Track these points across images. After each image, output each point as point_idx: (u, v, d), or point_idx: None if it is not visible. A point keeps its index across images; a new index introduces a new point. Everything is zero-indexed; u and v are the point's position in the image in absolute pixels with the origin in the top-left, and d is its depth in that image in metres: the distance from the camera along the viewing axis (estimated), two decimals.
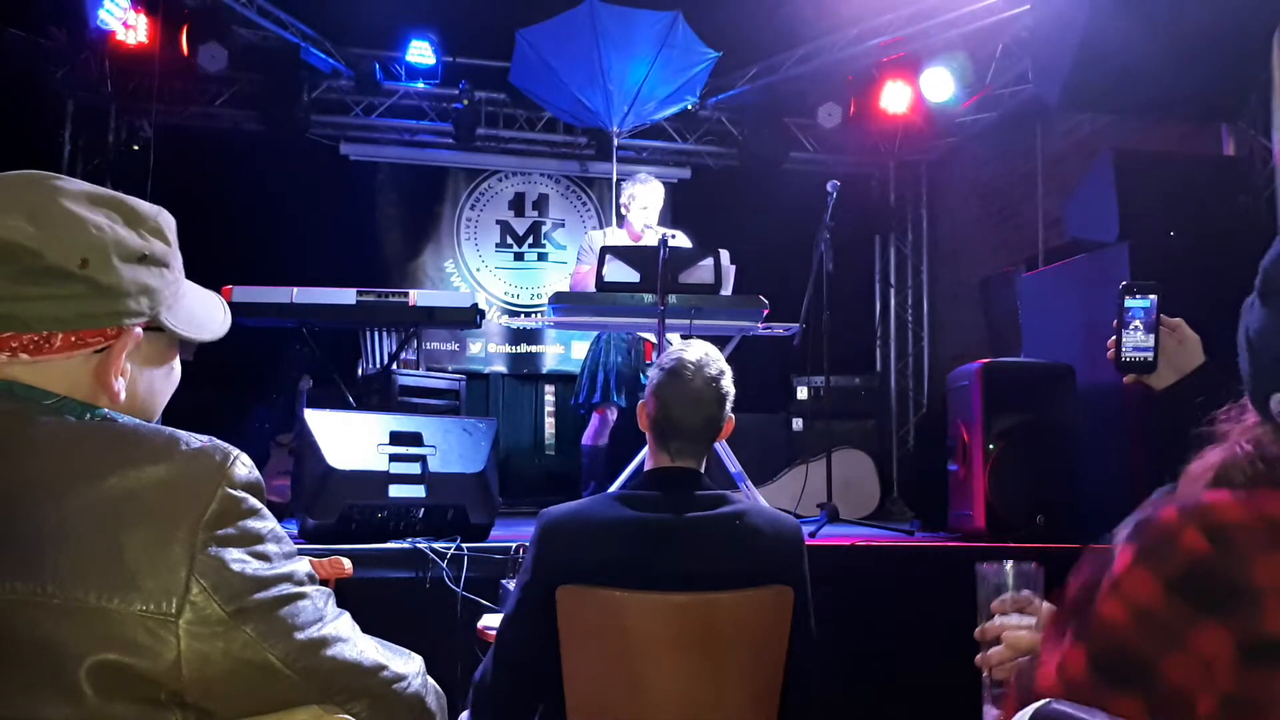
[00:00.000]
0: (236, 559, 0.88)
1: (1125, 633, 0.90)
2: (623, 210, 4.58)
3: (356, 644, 0.99)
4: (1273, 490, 0.90)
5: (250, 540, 0.90)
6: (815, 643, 1.79)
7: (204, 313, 1.08)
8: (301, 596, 0.94)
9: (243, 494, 0.91)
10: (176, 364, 1.08)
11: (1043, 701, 1.08)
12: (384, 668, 1.02)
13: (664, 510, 1.73)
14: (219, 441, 0.93)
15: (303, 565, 0.96)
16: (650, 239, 4.22)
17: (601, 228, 7.09)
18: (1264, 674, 0.81)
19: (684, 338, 4.12)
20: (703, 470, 1.85)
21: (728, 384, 1.84)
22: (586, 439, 4.59)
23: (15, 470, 0.86)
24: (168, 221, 1.04)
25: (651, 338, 4.32)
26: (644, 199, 4.44)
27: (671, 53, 5.76)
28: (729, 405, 1.84)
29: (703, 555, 1.70)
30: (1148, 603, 0.89)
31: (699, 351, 1.85)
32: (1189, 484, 0.98)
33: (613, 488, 3.88)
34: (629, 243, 4.47)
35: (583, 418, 4.76)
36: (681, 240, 4.42)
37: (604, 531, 1.71)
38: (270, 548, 0.92)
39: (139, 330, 0.98)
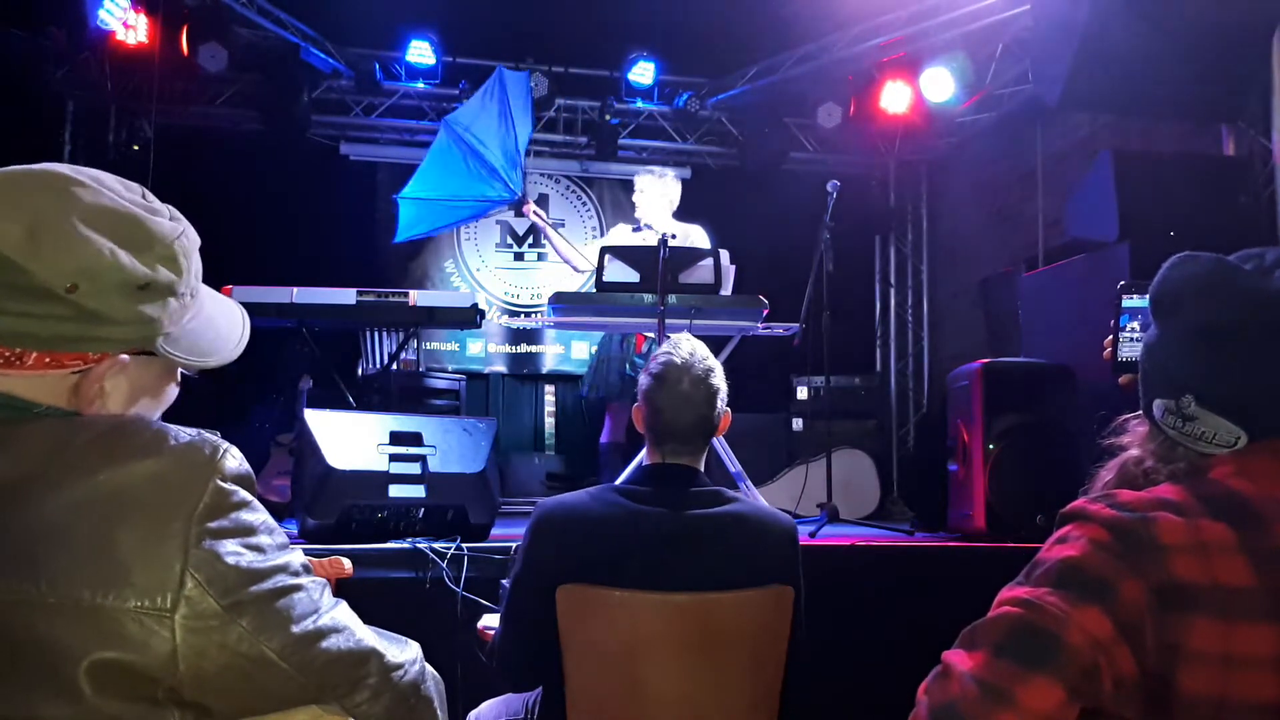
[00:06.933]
0: (231, 551, 0.88)
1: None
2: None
3: (354, 633, 0.99)
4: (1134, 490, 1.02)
5: (243, 532, 0.90)
6: (804, 642, 1.79)
7: (211, 339, 1.03)
8: (297, 588, 0.93)
9: (233, 486, 0.90)
10: (171, 388, 1.03)
11: None
12: (381, 656, 1.01)
13: (659, 505, 1.73)
14: (207, 434, 0.92)
15: (297, 556, 0.95)
16: (652, 238, 4.22)
17: (601, 228, 7.10)
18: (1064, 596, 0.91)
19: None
20: (701, 468, 1.84)
21: (718, 380, 1.83)
22: (603, 437, 4.60)
23: (4, 470, 0.85)
24: (184, 246, 0.98)
25: (650, 335, 4.32)
26: (649, 191, 4.47)
27: (504, 102, 5.33)
28: (721, 401, 1.83)
29: (698, 553, 1.70)
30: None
31: (686, 350, 1.83)
32: (1097, 486, 1.11)
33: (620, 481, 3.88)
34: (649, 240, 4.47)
35: (583, 417, 4.75)
36: (698, 236, 4.41)
37: (598, 525, 1.71)
38: (263, 539, 0.91)
39: (125, 356, 0.95)
